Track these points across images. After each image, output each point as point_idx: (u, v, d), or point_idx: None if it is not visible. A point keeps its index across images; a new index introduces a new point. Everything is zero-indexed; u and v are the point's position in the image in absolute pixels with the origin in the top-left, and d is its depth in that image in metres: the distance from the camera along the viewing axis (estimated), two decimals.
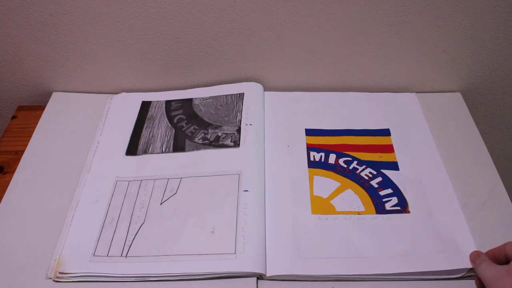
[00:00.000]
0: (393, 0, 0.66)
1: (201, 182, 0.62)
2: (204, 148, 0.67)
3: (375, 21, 0.69)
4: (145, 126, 0.71)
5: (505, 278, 0.47)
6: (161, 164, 0.66)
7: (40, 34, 0.70)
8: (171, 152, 0.67)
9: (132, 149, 0.68)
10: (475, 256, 0.52)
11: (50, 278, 0.54)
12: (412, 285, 0.54)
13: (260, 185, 0.62)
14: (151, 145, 0.68)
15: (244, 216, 0.58)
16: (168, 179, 0.63)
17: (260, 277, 0.54)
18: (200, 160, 0.66)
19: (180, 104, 0.74)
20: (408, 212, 0.61)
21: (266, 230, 0.58)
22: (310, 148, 0.69)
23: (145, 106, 0.75)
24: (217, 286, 0.53)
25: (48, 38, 0.70)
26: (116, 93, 0.76)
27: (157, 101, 0.75)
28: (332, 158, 0.67)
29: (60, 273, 0.54)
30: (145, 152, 0.67)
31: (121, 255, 0.55)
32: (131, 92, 0.77)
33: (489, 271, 0.49)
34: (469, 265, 0.53)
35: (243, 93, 0.74)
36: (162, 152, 0.67)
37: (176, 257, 0.55)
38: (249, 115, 0.71)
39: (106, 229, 0.58)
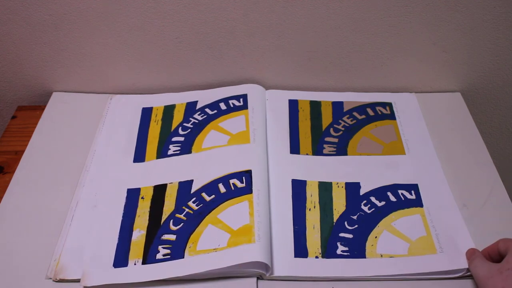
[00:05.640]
0: (393, 0, 0.66)
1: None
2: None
3: (375, 21, 0.69)
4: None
5: (496, 277, 0.46)
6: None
7: (40, 34, 0.70)
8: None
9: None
10: (470, 253, 0.52)
11: (50, 278, 0.54)
12: (412, 285, 0.54)
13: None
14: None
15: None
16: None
17: (260, 277, 0.54)
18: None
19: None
20: None
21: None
22: None
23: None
24: (217, 286, 0.53)
25: (48, 38, 0.70)
26: (116, 93, 0.76)
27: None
28: None
29: (60, 279, 0.53)
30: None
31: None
32: (131, 92, 0.77)
33: (481, 269, 0.49)
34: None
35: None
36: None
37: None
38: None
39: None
